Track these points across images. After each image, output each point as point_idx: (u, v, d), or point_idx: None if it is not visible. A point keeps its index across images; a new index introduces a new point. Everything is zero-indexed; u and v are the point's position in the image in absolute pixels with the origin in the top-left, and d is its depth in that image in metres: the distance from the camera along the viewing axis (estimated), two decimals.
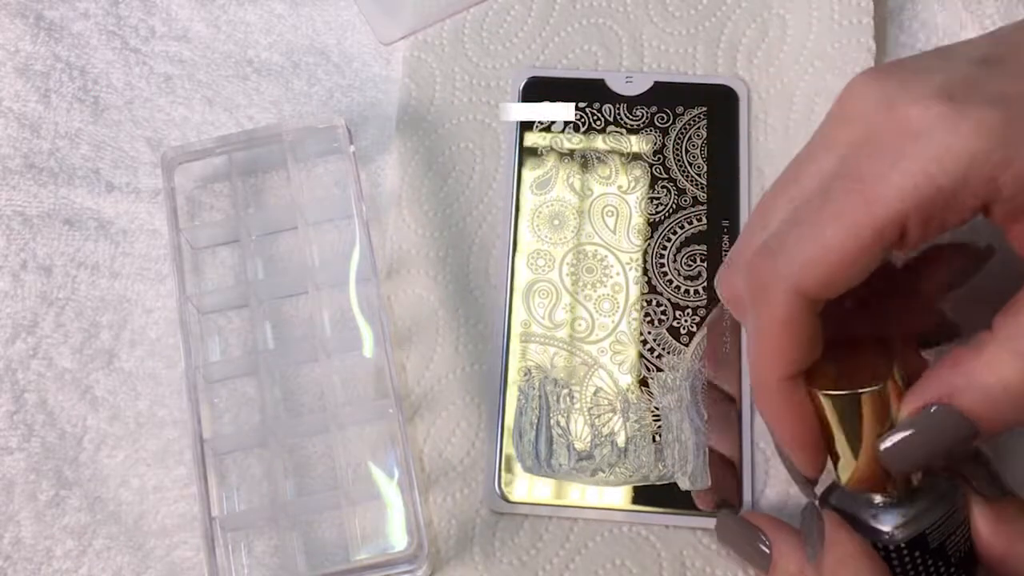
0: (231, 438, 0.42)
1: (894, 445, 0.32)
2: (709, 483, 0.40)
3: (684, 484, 0.40)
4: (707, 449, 0.40)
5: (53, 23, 0.49)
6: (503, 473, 0.41)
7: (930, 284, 0.36)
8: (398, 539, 0.39)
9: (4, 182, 0.47)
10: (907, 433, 0.32)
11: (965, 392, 0.30)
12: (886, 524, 0.33)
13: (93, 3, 0.50)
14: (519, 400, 0.42)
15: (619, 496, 0.40)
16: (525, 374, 0.42)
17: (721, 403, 0.41)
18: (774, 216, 0.33)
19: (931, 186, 0.29)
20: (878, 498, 0.34)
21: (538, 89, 0.46)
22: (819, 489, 0.36)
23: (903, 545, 0.33)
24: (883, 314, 0.36)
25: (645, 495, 0.40)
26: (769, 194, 0.34)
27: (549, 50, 0.47)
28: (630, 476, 0.40)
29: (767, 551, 0.35)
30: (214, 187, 0.46)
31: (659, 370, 0.42)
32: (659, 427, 0.41)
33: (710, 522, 0.40)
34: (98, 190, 0.47)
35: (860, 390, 0.33)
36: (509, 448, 0.41)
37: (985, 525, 0.34)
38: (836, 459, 0.34)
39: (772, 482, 0.40)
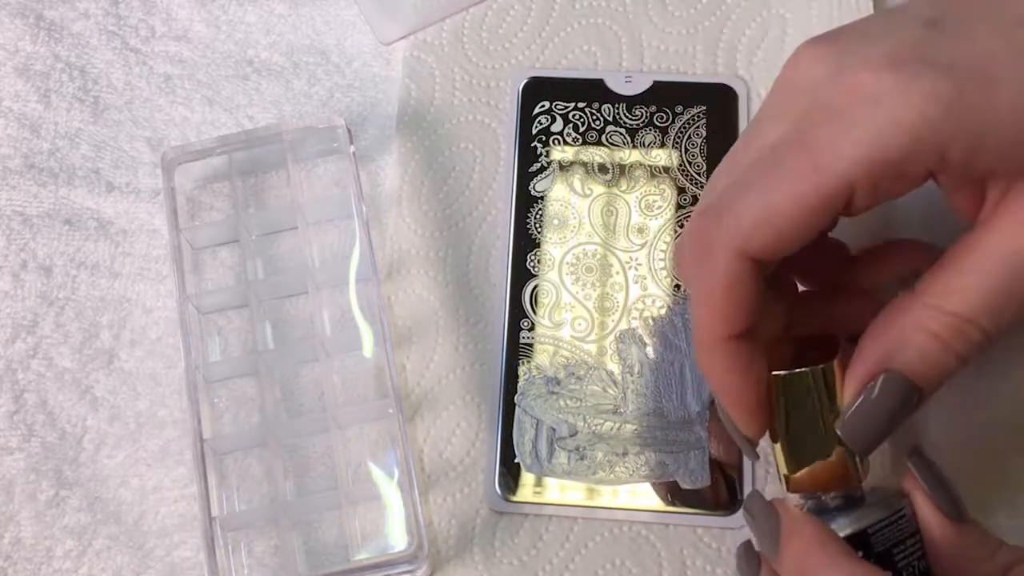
0: (231, 438, 0.42)
1: (850, 421, 0.32)
2: (709, 482, 0.40)
3: (684, 483, 0.40)
4: (707, 448, 0.40)
5: (53, 23, 0.49)
6: (503, 473, 0.41)
7: (881, 276, 0.37)
8: (398, 539, 0.39)
9: (4, 182, 0.47)
10: (859, 407, 0.32)
11: (900, 354, 0.31)
12: (830, 525, 0.32)
13: (93, 3, 0.50)
14: (519, 400, 0.42)
15: (619, 496, 0.40)
16: (525, 374, 0.42)
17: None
18: (721, 182, 0.33)
19: (880, 155, 0.28)
20: (824, 497, 0.33)
21: (538, 89, 0.46)
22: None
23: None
24: (832, 308, 0.37)
25: (645, 495, 0.40)
26: (720, 166, 0.34)
27: (549, 50, 0.47)
28: (630, 476, 0.40)
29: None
30: (214, 187, 0.46)
31: (659, 369, 0.42)
32: (658, 426, 0.41)
33: (710, 521, 0.40)
34: (98, 190, 0.47)
35: (808, 368, 0.33)
36: (509, 448, 0.41)
37: (948, 548, 0.33)
38: (786, 451, 0.34)
39: (772, 481, 0.40)
